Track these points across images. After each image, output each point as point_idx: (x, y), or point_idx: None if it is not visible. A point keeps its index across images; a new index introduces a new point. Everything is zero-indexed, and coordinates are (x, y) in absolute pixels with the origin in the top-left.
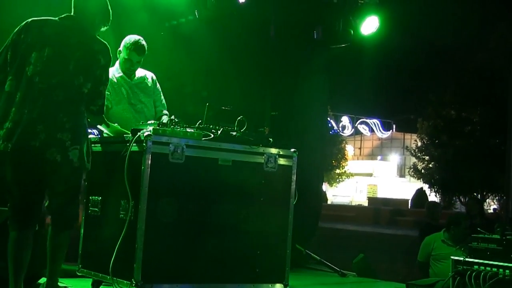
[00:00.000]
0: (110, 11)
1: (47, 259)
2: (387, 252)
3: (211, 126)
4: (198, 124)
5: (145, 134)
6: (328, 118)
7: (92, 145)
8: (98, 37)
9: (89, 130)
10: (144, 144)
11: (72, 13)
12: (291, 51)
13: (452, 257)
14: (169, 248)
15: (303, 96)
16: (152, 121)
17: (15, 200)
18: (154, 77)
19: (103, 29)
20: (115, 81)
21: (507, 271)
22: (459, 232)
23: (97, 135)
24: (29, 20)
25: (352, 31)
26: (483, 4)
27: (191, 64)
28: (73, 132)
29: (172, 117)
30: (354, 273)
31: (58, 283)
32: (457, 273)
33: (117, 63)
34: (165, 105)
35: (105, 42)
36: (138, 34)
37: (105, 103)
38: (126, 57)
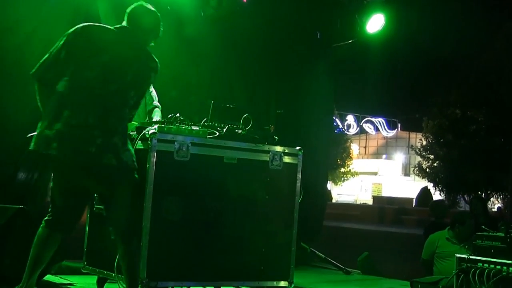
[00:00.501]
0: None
1: (124, 271)
2: (392, 250)
3: (217, 124)
4: (204, 122)
5: (150, 132)
6: (333, 117)
7: None
8: (151, 54)
9: None
10: (149, 142)
11: (127, 25)
12: (296, 49)
13: (456, 254)
14: (174, 246)
15: (309, 94)
16: (158, 119)
17: (58, 203)
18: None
19: (151, 44)
20: None
21: (511, 268)
22: (464, 230)
23: None
24: (85, 24)
25: (357, 29)
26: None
27: (196, 63)
28: (123, 135)
29: (178, 114)
30: (359, 271)
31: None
32: (461, 271)
33: None
34: (155, 96)
35: (157, 60)
36: None
37: None
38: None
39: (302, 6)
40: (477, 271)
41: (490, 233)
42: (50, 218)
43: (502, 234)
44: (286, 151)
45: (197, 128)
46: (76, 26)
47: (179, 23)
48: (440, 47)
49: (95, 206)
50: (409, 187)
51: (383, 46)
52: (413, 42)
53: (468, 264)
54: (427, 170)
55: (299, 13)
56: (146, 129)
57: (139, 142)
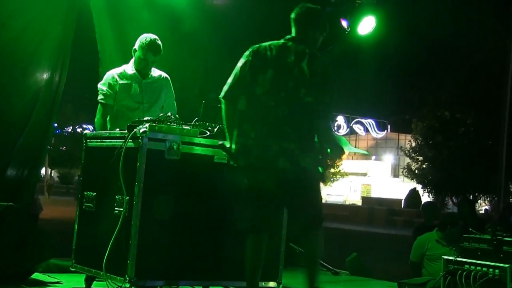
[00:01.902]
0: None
1: (307, 261)
2: (381, 251)
3: (208, 123)
4: (195, 121)
5: (141, 131)
6: None
7: (88, 140)
8: (317, 52)
9: (85, 126)
10: (140, 141)
11: (294, 35)
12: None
13: (443, 256)
14: (164, 245)
15: None
16: (149, 118)
17: (254, 210)
18: (169, 78)
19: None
20: (126, 78)
21: (497, 270)
22: (455, 232)
23: (92, 130)
24: (255, 46)
25: (347, 31)
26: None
27: (190, 62)
28: (300, 141)
29: (169, 114)
30: (347, 272)
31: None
32: (448, 273)
33: (132, 60)
34: (176, 109)
35: (321, 55)
36: (138, 31)
37: (107, 101)
38: (142, 56)
39: (295, 5)
40: (464, 273)
41: (477, 235)
42: (254, 224)
43: (489, 237)
44: None
45: (188, 127)
46: (250, 49)
47: (174, 17)
48: (430, 49)
49: (85, 204)
50: (398, 188)
51: (374, 47)
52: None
53: (455, 266)
54: (416, 171)
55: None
56: (137, 128)
57: (130, 140)
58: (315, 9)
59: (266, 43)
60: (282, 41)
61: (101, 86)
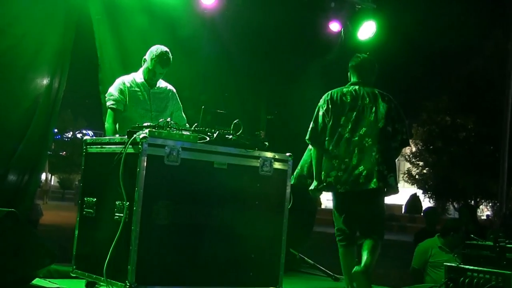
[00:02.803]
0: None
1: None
2: (380, 256)
3: (207, 129)
4: (194, 127)
5: (141, 136)
6: None
7: (88, 146)
8: (378, 91)
9: (84, 131)
10: (139, 146)
11: (357, 80)
12: (287, 55)
13: (445, 263)
14: (164, 251)
15: (299, 99)
16: (148, 124)
17: (345, 226)
18: (175, 91)
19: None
20: (135, 85)
21: (500, 278)
22: (458, 238)
23: (92, 136)
24: (329, 92)
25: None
26: (478, 11)
27: (188, 68)
28: (387, 164)
29: (168, 119)
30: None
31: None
32: (450, 280)
33: (141, 69)
34: (185, 118)
35: (389, 96)
36: (136, 37)
37: (118, 107)
38: (150, 67)
39: (294, 11)
40: (466, 280)
41: (479, 242)
42: (343, 238)
43: (491, 243)
44: (276, 157)
45: (188, 133)
46: (324, 97)
47: (172, 23)
48: (430, 54)
49: (85, 210)
50: (398, 194)
51: (373, 52)
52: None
53: (458, 273)
54: (417, 176)
55: (291, 19)
56: (137, 134)
57: (130, 146)
58: (368, 58)
59: (335, 91)
60: (350, 87)
61: (112, 91)
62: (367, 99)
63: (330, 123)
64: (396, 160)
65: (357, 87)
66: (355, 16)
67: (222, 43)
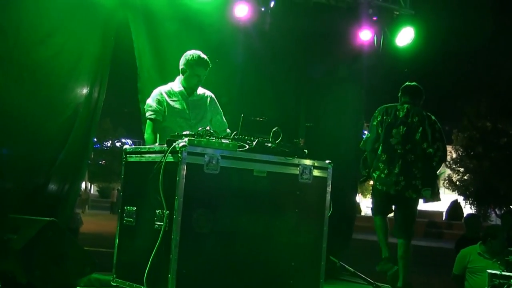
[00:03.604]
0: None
1: (401, 262)
2: (422, 264)
3: (246, 137)
4: (233, 135)
5: (180, 145)
6: (363, 129)
7: (128, 155)
8: (426, 112)
9: (124, 140)
10: (179, 155)
11: (409, 100)
12: (326, 61)
13: (488, 270)
14: (204, 259)
15: (338, 106)
16: (188, 132)
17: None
18: (213, 96)
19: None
20: (173, 95)
21: None
22: (496, 244)
23: (131, 145)
24: (384, 106)
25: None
26: None
27: (225, 75)
28: (423, 179)
29: (208, 127)
30: (389, 286)
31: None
32: (493, 287)
33: (178, 78)
34: (226, 124)
35: (435, 118)
36: (173, 46)
37: (157, 117)
38: (193, 73)
39: (331, 17)
40: None
41: None
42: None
43: None
44: (316, 164)
45: (227, 141)
46: (379, 109)
47: (205, 31)
48: (470, 58)
49: (125, 218)
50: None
51: (412, 58)
52: (442, 53)
53: (501, 281)
54: (457, 183)
55: (329, 25)
56: (176, 142)
57: (169, 155)
58: (419, 86)
59: (390, 105)
60: (403, 105)
61: (150, 102)
62: (416, 118)
63: (383, 132)
64: (437, 172)
65: (409, 106)
66: (393, 23)
67: (259, 50)
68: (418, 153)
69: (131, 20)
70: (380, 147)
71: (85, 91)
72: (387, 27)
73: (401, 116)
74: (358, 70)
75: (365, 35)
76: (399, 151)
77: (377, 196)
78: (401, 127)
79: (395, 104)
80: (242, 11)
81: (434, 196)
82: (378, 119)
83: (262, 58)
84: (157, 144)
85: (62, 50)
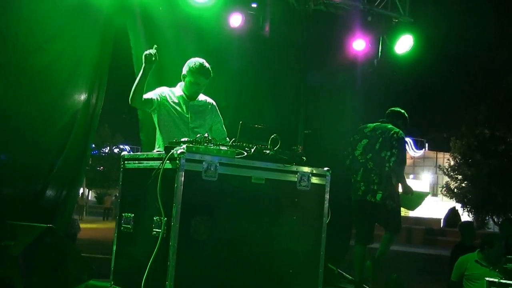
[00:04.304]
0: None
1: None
2: (420, 271)
3: (245, 144)
4: (232, 142)
5: (178, 152)
6: None
7: (126, 162)
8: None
9: (121, 146)
10: (177, 162)
11: (385, 119)
12: (324, 68)
13: (486, 278)
14: (202, 266)
15: (336, 114)
16: (186, 139)
17: (359, 228)
18: (215, 104)
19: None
20: (173, 99)
21: None
22: (493, 252)
23: (129, 151)
24: (362, 127)
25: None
26: None
27: (224, 81)
28: (379, 183)
29: (206, 134)
30: None
31: None
32: None
33: (180, 85)
34: (225, 132)
35: (398, 130)
36: (171, 51)
37: (153, 103)
38: (193, 80)
39: (330, 25)
40: None
41: None
42: (359, 239)
43: None
44: (314, 171)
45: (226, 148)
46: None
47: (204, 38)
48: (469, 65)
49: (123, 225)
50: (436, 208)
51: (411, 65)
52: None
53: None
54: (455, 190)
55: (328, 32)
56: (175, 149)
57: (168, 161)
58: (396, 110)
59: (362, 126)
60: (373, 123)
61: (151, 93)
62: (379, 131)
63: (350, 148)
64: (395, 176)
65: (378, 123)
66: (392, 30)
67: (258, 56)
68: (377, 161)
69: (130, 26)
70: (348, 161)
71: (83, 97)
72: (386, 35)
73: (366, 131)
74: (356, 78)
75: (362, 43)
76: (361, 160)
77: (353, 213)
78: (364, 140)
79: (373, 124)
80: (236, 21)
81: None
82: (350, 139)
83: (261, 65)
84: (156, 150)
85: (61, 56)
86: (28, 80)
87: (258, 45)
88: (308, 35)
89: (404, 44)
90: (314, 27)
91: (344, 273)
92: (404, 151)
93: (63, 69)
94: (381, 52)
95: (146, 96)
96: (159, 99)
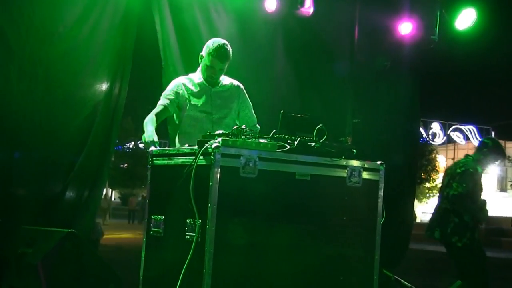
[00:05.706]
0: None
1: None
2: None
3: (287, 136)
4: (272, 134)
5: (213, 146)
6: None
7: (154, 158)
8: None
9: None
10: (212, 157)
11: None
12: (374, 50)
13: None
14: (241, 273)
15: (389, 100)
16: (221, 131)
17: None
18: (242, 87)
19: None
20: (191, 89)
21: None
22: None
23: (157, 146)
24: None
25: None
26: None
27: (266, 70)
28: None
29: (243, 126)
30: None
31: None
32: None
33: (199, 68)
34: (255, 118)
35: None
36: (199, 33)
37: (169, 107)
38: (208, 64)
39: (379, 5)
40: None
41: None
42: None
43: None
44: (366, 166)
45: (265, 141)
46: None
47: (238, 21)
48: None
49: (152, 229)
50: (506, 204)
51: (473, 44)
52: (508, 37)
53: None
54: None
55: (380, 10)
56: (209, 143)
57: (201, 157)
58: (484, 141)
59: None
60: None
61: (167, 91)
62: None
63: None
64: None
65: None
66: (452, 3)
67: (296, 40)
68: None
69: (155, 8)
70: None
71: (104, 87)
72: (444, 9)
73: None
74: (409, 60)
75: (415, 23)
76: None
77: None
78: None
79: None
80: (271, 4)
81: None
82: None
83: (304, 52)
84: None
85: (80, 44)
86: (44, 70)
87: (298, 27)
88: (355, 16)
89: (465, 19)
90: (361, 8)
91: (402, 280)
92: (465, 182)
93: (81, 58)
94: (439, 29)
95: (158, 110)
96: (173, 98)
